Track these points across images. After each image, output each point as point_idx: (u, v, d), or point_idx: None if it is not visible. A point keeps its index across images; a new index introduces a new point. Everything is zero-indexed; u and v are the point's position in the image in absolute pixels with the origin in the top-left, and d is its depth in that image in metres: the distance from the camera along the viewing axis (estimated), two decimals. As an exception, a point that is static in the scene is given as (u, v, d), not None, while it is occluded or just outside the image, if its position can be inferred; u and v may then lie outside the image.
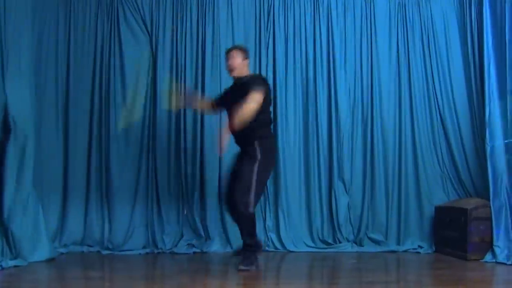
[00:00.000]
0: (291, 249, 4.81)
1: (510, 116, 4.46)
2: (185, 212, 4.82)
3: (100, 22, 4.95)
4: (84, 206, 4.78)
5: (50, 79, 4.81)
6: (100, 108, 4.88)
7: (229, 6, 5.05)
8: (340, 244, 4.88)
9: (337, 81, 5.05)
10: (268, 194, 4.90)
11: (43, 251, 4.05)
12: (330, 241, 4.91)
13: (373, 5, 5.16)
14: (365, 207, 4.98)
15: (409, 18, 5.17)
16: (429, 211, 4.97)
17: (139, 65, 4.90)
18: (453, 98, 5.07)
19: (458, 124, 5.04)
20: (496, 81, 4.54)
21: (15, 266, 3.73)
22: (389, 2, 5.18)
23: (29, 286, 3.31)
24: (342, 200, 4.96)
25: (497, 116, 4.50)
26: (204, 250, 4.70)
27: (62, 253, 4.45)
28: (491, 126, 4.50)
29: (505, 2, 4.48)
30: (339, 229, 4.91)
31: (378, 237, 4.95)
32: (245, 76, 3.95)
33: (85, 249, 4.67)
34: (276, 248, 4.83)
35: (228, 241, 4.78)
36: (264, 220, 4.90)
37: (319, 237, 4.92)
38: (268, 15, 5.08)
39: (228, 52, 4.03)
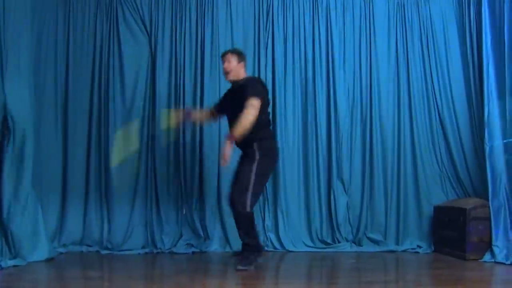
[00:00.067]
0: (290, 249, 4.82)
1: (509, 116, 4.47)
2: (184, 212, 4.82)
3: (99, 22, 4.95)
4: (83, 206, 4.79)
5: (49, 79, 4.82)
6: (99, 108, 4.89)
7: (228, 6, 5.05)
8: (339, 244, 4.89)
9: (336, 81, 5.06)
10: (267, 194, 4.91)
11: (42, 251, 4.05)
12: (329, 241, 4.91)
13: (372, 5, 5.17)
14: (364, 207, 4.98)
15: (408, 18, 5.18)
16: (428, 211, 4.98)
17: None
18: (452, 98, 5.08)
19: (457, 124, 5.05)
20: (495, 81, 4.54)
21: (14, 266, 3.72)
22: (388, 2, 5.19)
23: (29, 286, 3.30)
24: (341, 200, 4.96)
25: (496, 116, 4.51)
26: (203, 250, 4.71)
27: (61, 253, 4.45)
28: (490, 126, 4.51)
29: (504, 2, 4.49)
30: (338, 229, 4.91)
31: (377, 237, 4.95)
32: (242, 79, 3.96)
33: (84, 249, 4.68)
34: (275, 248, 4.83)
35: (227, 241, 4.78)
36: (263, 220, 4.90)
37: (318, 237, 4.92)
38: (267, 15, 5.09)
39: (222, 56, 4.04)
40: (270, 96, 4.54)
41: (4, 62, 3.86)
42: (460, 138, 5.02)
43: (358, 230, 4.96)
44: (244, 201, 3.72)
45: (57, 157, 4.78)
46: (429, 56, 5.14)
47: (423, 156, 5.06)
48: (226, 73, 3.97)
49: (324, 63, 5.09)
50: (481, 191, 4.75)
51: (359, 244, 4.92)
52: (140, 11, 4.98)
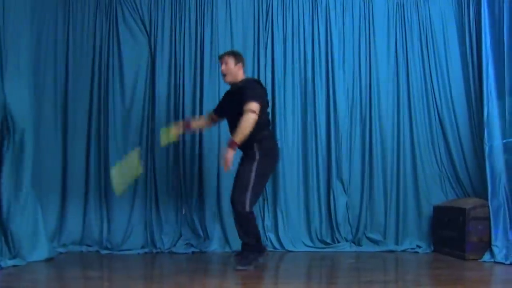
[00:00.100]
0: (289, 249, 4.82)
1: (509, 116, 4.47)
2: (183, 212, 4.82)
3: (99, 22, 4.96)
4: (83, 206, 4.79)
5: (49, 79, 4.82)
6: (99, 108, 4.89)
7: (228, 6, 5.05)
8: (339, 244, 4.89)
9: (336, 81, 5.06)
10: (266, 194, 4.91)
11: (42, 251, 4.05)
12: (328, 241, 4.91)
13: (372, 5, 5.17)
14: (364, 207, 4.98)
15: (408, 18, 5.18)
16: (427, 210, 4.98)
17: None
18: (452, 98, 5.08)
19: (457, 124, 5.05)
20: (494, 81, 4.54)
21: (14, 266, 3.73)
22: (388, 2, 5.19)
23: (28, 285, 3.30)
24: (341, 200, 4.96)
25: (495, 116, 4.51)
26: (203, 249, 4.71)
27: (61, 253, 4.46)
28: (490, 126, 4.51)
29: (503, 2, 4.49)
30: (338, 229, 4.92)
31: (377, 236, 4.95)
32: (240, 81, 3.97)
33: (84, 248, 4.68)
34: (274, 248, 4.83)
35: (226, 241, 4.79)
36: (263, 220, 4.90)
37: (317, 237, 4.92)
38: (267, 15, 5.09)
39: (220, 58, 4.05)
40: (269, 96, 4.56)
41: (4, 62, 3.87)
42: (460, 138, 5.02)
43: (357, 230, 4.96)
44: (244, 200, 3.72)
45: (57, 157, 4.78)
46: (428, 56, 5.15)
47: (423, 156, 5.06)
48: (224, 75, 3.98)
49: (323, 63, 5.09)
50: (480, 191, 4.75)
51: (359, 244, 4.93)
52: (140, 11, 4.98)
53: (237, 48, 4.84)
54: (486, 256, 4.29)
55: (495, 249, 4.26)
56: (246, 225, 3.81)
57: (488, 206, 4.38)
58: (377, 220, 4.98)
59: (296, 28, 5.11)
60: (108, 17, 4.96)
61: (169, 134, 4.12)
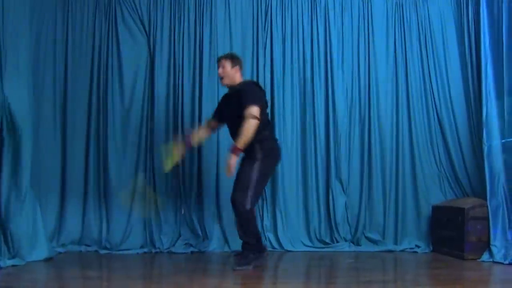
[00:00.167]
0: (288, 249, 4.82)
1: (507, 115, 4.49)
2: (182, 212, 4.82)
3: (98, 22, 4.96)
4: (82, 205, 4.79)
5: (48, 79, 4.82)
6: (98, 108, 4.89)
7: (227, 6, 5.05)
8: (338, 244, 4.89)
9: (335, 81, 5.06)
10: (265, 194, 4.91)
11: (41, 251, 4.05)
12: (327, 240, 4.92)
13: (371, 5, 5.17)
14: (363, 206, 4.98)
15: (407, 18, 5.18)
16: (426, 210, 4.98)
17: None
18: (451, 98, 5.09)
19: (455, 123, 5.05)
20: (493, 81, 4.55)
21: (13, 266, 3.73)
22: (387, 2, 5.19)
23: (27, 285, 3.30)
24: (340, 200, 4.97)
25: (494, 116, 4.52)
26: (202, 249, 4.71)
27: (60, 253, 4.46)
28: (488, 125, 4.52)
29: (502, 2, 4.50)
30: (337, 228, 4.92)
31: (376, 236, 4.95)
32: (238, 83, 3.97)
33: (83, 248, 4.68)
34: (273, 247, 4.84)
35: (225, 240, 4.79)
36: (262, 219, 4.90)
37: (316, 237, 4.93)
38: (266, 15, 5.09)
39: (217, 61, 4.05)
40: (268, 97, 4.56)
41: (3, 62, 3.86)
42: (459, 138, 5.03)
43: (356, 229, 4.96)
44: (245, 200, 3.73)
45: (56, 157, 4.78)
46: (427, 56, 5.15)
47: (422, 156, 5.06)
48: (221, 78, 3.99)
49: (322, 63, 5.10)
50: (479, 190, 4.75)
51: (358, 244, 4.93)
52: (139, 11, 4.98)
53: (236, 48, 4.86)
54: (485, 256, 4.29)
55: (494, 249, 4.27)
56: (247, 225, 3.81)
57: (487, 206, 4.38)
58: (376, 220, 4.98)
59: (295, 28, 5.11)
60: (107, 17, 4.96)
61: (173, 157, 4.07)
